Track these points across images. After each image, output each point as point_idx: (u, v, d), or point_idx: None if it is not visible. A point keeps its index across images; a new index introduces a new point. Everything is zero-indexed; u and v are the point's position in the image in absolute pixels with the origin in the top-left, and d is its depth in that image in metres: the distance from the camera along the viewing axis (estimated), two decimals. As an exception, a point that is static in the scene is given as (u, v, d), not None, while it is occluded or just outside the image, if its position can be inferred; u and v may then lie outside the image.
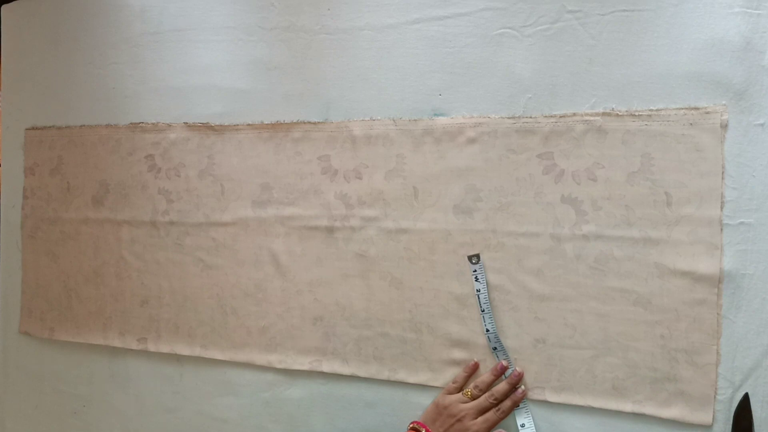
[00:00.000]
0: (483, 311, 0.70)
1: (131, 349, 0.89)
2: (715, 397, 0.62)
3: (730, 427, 0.61)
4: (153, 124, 0.88)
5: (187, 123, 0.85)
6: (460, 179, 0.72)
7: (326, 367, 0.78)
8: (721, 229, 0.62)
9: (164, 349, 0.87)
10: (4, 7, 1.00)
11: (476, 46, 0.71)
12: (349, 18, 0.77)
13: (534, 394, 0.69)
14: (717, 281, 0.62)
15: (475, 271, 0.70)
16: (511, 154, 0.70)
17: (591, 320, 0.66)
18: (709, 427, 0.63)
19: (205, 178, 0.84)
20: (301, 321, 0.80)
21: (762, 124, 0.61)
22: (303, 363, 0.79)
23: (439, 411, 0.69)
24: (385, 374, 0.75)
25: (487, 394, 0.68)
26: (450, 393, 0.70)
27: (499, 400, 0.68)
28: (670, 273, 0.64)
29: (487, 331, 0.70)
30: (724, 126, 0.62)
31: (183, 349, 0.86)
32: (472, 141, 0.71)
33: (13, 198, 0.99)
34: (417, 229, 0.74)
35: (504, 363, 0.69)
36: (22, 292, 0.98)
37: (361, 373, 0.77)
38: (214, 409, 0.85)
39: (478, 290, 0.70)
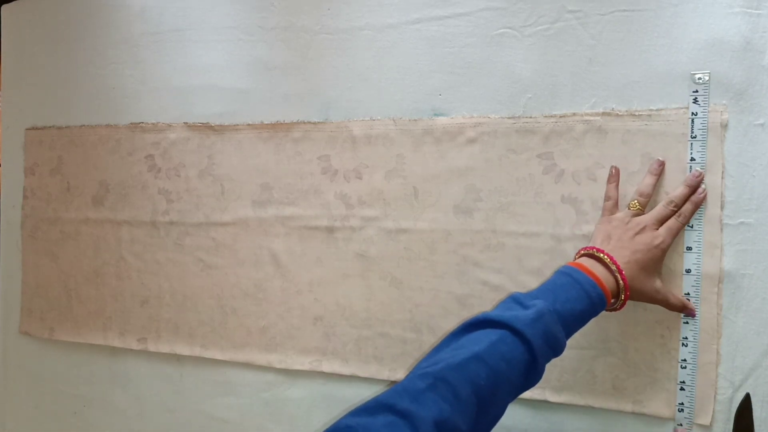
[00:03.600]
0: (694, 137, 0.62)
1: (131, 349, 0.89)
2: (715, 397, 0.62)
3: (731, 427, 0.61)
4: (153, 124, 0.88)
5: (187, 123, 0.85)
6: (460, 179, 0.72)
7: (326, 367, 0.78)
8: (721, 229, 0.62)
9: (164, 349, 0.87)
10: (4, 7, 1.00)
11: (476, 46, 0.71)
12: (349, 18, 0.77)
13: (534, 395, 0.69)
14: (717, 281, 0.62)
15: (696, 92, 0.63)
16: (511, 154, 0.70)
17: (592, 320, 0.66)
18: (709, 427, 0.62)
19: (205, 178, 0.84)
20: (301, 321, 0.79)
21: (762, 124, 0.61)
22: (303, 363, 0.79)
23: (608, 232, 0.61)
24: (385, 374, 0.75)
25: (665, 201, 0.61)
26: (611, 213, 0.63)
27: (678, 206, 0.61)
28: (670, 272, 0.64)
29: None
30: (724, 126, 0.62)
31: (183, 349, 0.86)
32: (472, 141, 0.71)
33: (13, 198, 0.99)
34: (417, 229, 0.74)
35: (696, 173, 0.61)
36: (22, 292, 0.98)
37: (361, 373, 0.77)
38: (214, 409, 0.85)
39: (694, 113, 0.63)
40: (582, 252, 0.61)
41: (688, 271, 0.63)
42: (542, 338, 0.50)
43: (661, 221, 0.61)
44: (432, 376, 0.45)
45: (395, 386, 0.46)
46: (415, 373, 0.47)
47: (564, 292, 0.54)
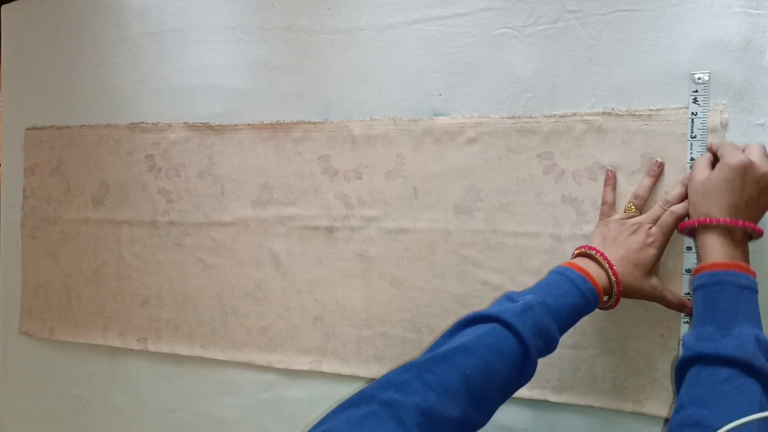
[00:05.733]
0: (693, 137, 0.62)
1: (131, 349, 0.89)
2: (715, 397, 0.62)
3: (731, 426, 0.61)
4: (153, 124, 0.88)
5: (187, 123, 0.85)
6: (460, 179, 0.72)
7: (326, 367, 0.78)
8: (721, 229, 0.62)
9: (164, 349, 0.87)
10: (4, 7, 1.00)
11: (476, 46, 0.71)
12: (349, 18, 0.77)
13: (534, 395, 0.69)
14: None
15: (696, 91, 0.63)
16: (511, 154, 0.70)
17: (591, 320, 0.66)
18: (709, 427, 0.62)
19: (205, 178, 0.84)
20: (301, 321, 0.80)
21: (762, 124, 0.61)
22: (303, 363, 0.79)
23: (604, 234, 0.62)
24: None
25: (661, 201, 0.62)
26: (608, 216, 0.64)
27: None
28: (670, 272, 0.64)
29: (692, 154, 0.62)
30: (724, 126, 0.62)
31: (183, 349, 0.86)
32: (472, 141, 0.71)
33: (13, 198, 0.99)
34: (417, 229, 0.74)
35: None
36: (22, 292, 0.98)
37: (361, 373, 0.77)
38: (214, 409, 0.85)
39: (694, 113, 0.63)
40: (576, 252, 0.62)
41: (688, 270, 0.63)
42: (532, 329, 0.50)
43: (657, 221, 0.61)
44: (417, 368, 0.46)
45: (380, 378, 0.46)
46: (401, 367, 0.47)
47: (555, 287, 0.55)
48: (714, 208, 0.55)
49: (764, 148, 0.56)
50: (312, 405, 0.80)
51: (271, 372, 0.82)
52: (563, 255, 0.67)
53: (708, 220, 0.55)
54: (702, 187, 0.56)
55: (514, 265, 0.70)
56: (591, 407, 0.67)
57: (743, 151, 0.56)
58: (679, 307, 0.62)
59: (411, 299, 0.74)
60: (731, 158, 0.55)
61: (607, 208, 0.64)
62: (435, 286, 0.73)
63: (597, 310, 0.58)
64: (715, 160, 0.58)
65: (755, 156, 0.54)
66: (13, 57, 0.99)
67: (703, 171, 0.57)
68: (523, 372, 0.49)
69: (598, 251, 0.59)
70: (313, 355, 0.79)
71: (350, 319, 0.77)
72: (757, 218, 0.56)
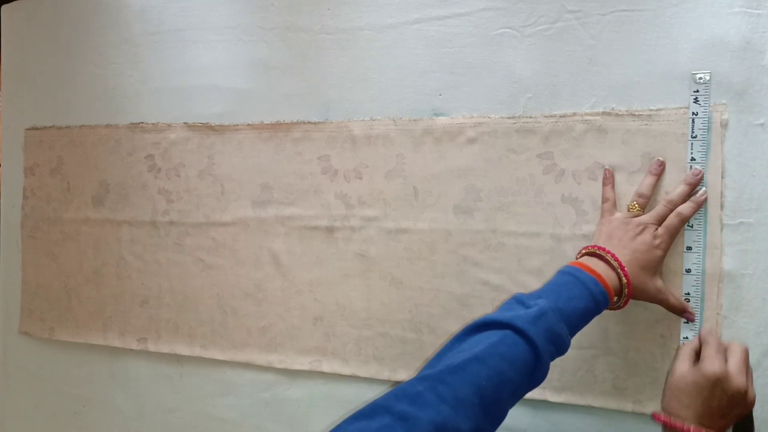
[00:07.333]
0: (694, 137, 0.62)
1: (131, 349, 0.89)
2: (715, 397, 0.62)
3: (731, 427, 0.61)
4: (153, 124, 0.88)
5: (187, 123, 0.85)
6: (460, 179, 0.72)
7: (326, 367, 0.78)
8: (721, 229, 0.62)
9: (164, 349, 0.87)
10: (4, 7, 1.00)
11: (476, 46, 0.71)
12: (349, 18, 0.77)
13: (534, 395, 0.69)
14: (717, 281, 0.62)
15: (697, 91, 0.62)
16: (511, 154, 0.70)
17: (592, 320, 0.66)
18: (709, 427, 0.62)
19: (205, 178, 0.84)
20: (301, 321, 0.80)
21: (762, 124, 0.61)
22: (303, 363, 0.79)
23: (609, 232, 0.61)
24: (385, 374, 0.75)
25: (665, 201, 0.61)
26: (610, 214, 0.63)
27: (677, 204, 0.61)
28: (671, 272, 0.64)
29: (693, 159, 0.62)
30: (725, 126, 0.62)
31: (183, 349, 0.86)
32: (472, 141, 0.71)
33: (13, 198, 0.99)
34: (417, 229, 0.74)
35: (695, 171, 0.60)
36: (22, 292, 0.98)
37: (361, 373, 0.77)
38: (214, 409, 0.85)
39: (695, 113, 0.62)
40: (584, 251, 0.61)
41: (688, 270, 0.63)
42: (545, 336, 0.49)
43: (661, 221, 0.61)
44: (431, 379, 0.45)
45: (394, 389, 0.45)
46: (415, 378, 0.46)
47: (567, 290, 0.54)
48: (683, 410, 0.54)
49: (746, 354, 0.55)
50: (312, 405, 0.80)
51: (271, 372, 0.82)
52: (563, 255, 0.67)
53: (676, 424, 0.54)
54: (677, 383, 0.55)
55: (514, 265, 0.70)
56: (591, 407, 0.67)
57: (726, 351, 0.55)
58: (680, 310, 0.62)
59: (411, 299, 0.74)
60: (708, 366, 0.54)
61: (610, 205, 0.64)
62: (435, 286, 0.73)
63: None
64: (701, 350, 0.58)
65: (733, 366, 0.54)
66: (13, 57, 0.99)
67: (683, 363, 0.57)
68: (534, 378, 0.49)
69: (609, 252, 0.58)
70: (313, 355, 0.79)
71: (350, 319, 0.77)
72: (726, 427, 0.55)
